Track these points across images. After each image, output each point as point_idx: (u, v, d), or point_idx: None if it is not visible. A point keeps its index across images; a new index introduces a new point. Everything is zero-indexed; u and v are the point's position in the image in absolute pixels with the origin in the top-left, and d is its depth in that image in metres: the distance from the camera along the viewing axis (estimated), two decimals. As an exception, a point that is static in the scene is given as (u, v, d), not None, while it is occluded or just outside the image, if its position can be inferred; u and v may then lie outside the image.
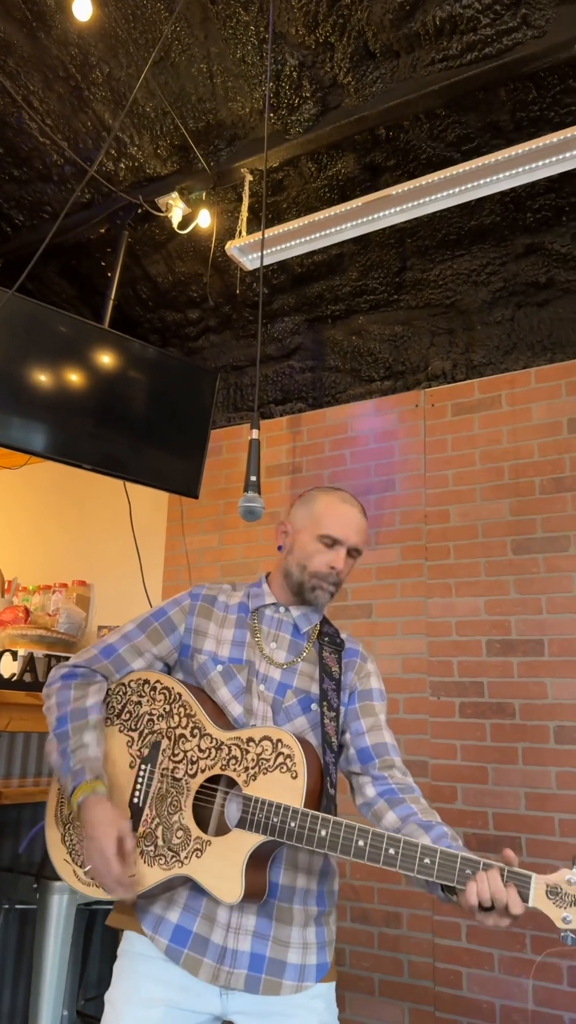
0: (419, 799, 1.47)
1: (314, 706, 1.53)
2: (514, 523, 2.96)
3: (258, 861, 1.37)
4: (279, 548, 1.65)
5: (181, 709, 1.51)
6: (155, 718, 1.53)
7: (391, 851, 1.27)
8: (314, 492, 1.64)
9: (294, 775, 1.37)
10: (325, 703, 1.50)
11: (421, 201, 2.44)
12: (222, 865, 1.36)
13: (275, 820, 1.34)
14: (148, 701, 1.55)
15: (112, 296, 3.06)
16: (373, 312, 3.27)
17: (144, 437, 3.03)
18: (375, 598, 3.17)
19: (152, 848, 1.43)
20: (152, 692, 1.55)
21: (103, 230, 3.06)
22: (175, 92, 2.56)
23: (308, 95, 2.46)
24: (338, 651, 1.60)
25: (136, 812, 1.47)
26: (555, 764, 2.68)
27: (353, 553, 1.59)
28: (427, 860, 1.25)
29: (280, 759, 1.39)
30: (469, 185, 2.36)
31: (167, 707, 1.52)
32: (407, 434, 3.30)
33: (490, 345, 3.16)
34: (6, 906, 2.50)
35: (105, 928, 2.88)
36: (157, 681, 1.56)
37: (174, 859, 1.41)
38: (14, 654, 3.37)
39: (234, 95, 2.53)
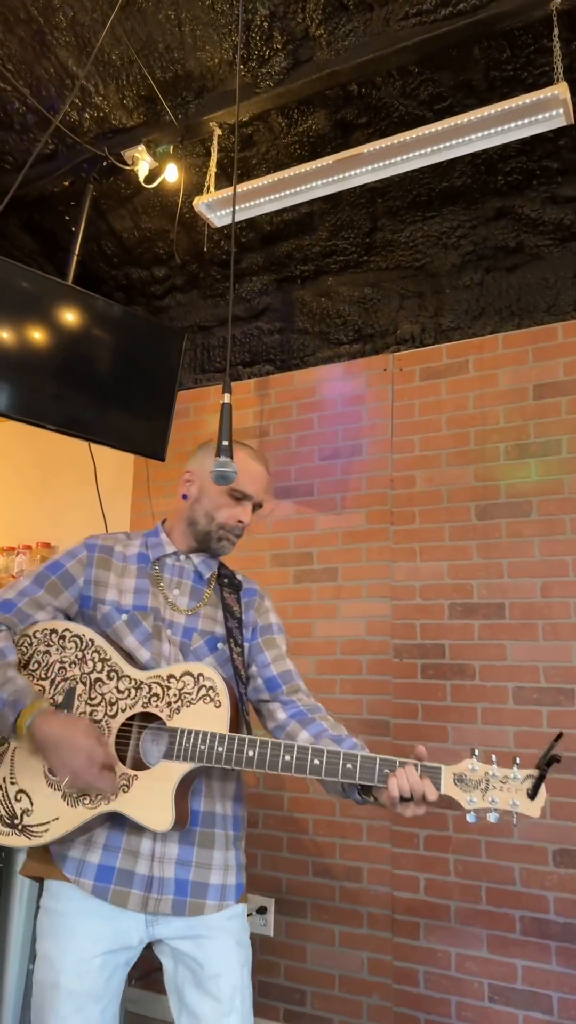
0: (327, 716, 1.60)
1: (220, 645, 1.61)
2: (478, 489, 2.99)
3: (181, 790, 1.45)
4: (183, 496, 1.68)
5: (95, 654, 1.54)
6: (67, 665, 1.55)
7: (316, 761, 1.39)
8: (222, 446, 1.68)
9: (218, 704, 1.45)
10: (231, 640, 1.59)
11: (392, 160, 2.41)
12: (150, 796, 1.42)
13: (203, 747, 1.42)
14: (57, 650, 1.56)
15: (76, 252, 2.99)
16: (343, 273, 3.24)
17: (109, 398, 2.99)
18: (341, 562, 3.19)
19: (75, 790, 1.45)
20: (61, 641, 1.56)
21: (67, 183, 2.97)
22: (142, 39, 2.47)
23: (279, 47, 2.39)
24: (236, 591, 1.69)
25: None
26: (513, 724, 2.75)
27: (256, 507, 1.69)
28: (349, 765, 1.39)
29: (203, 691, 1.47)
30: (441, 145, 2.33)
31: (79, 653, 1.54)
32: (375, 398, 3.29)
33: (459, 309, 3.16)
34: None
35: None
36: (66, 630, 1.57)
37: (99, 797, 1.44)
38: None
39: (203, 45, 2.45)
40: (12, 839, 1.47)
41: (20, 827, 1.47)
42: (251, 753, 1.40)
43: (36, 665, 1.57)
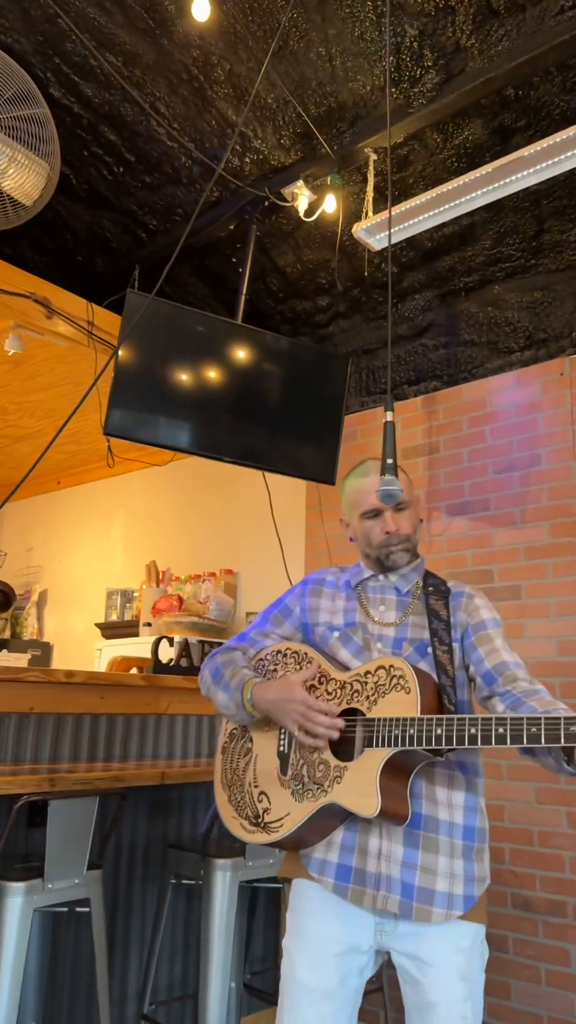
0: (543, 698, 1.53)
1: (429, 649, 1.65)
2: None
3: (394, 777, 1.49)
4: (351, 540, 1.81)
5: (310, 665, 1.69)
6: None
7: (500, 730, 1.37)
8: (344, 481, 1.83)
9: (407, 691, 1.51)
10: (436, 639, 1.64)
11: (556, 159, 2.31)
12: (359, 784, 1.50)
13: (396, 732, 1.47)
14: (282, 666, 1.74)
15: (244, 291, 3.11)
16: (509, 280, 3.14)
17: (280, 427, 3.08)
18: (524, 579, 3.06)
19: (300, 787, 1.59)
20: (284, 658, 1.75)
21: (232, 227, 3.12)
22: (295, 80, 2.56)
23: (430, 64, 2.38)
24: (444, 597, 1.73)
25: (283, 759, 1.65)
26: None
27: (400, 508, 1.72)
28: (533, 729, 1.34)
29: (394, 681, 1.53)
30: (609, 136, 2.21)
31: (297, 666, 1.71)
32: (552, 405, 3.15)
33: None
34: (173, 881, 2.64)
35: (268, 905, 2.97)
36: (287, 648, 1.76)
37: (320, 790, 1.56)
38: (171, 640, 3.54)
39: (354, 74, 2.49)
40: (257, 836, 1.63)
41: (263, 825, 1.63)
42: (439, 731, 1.43)
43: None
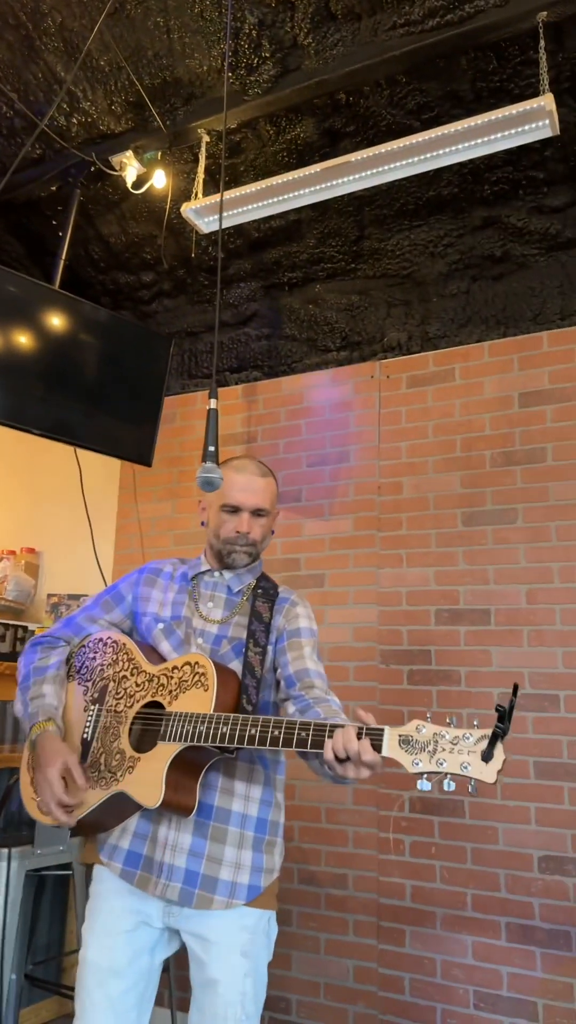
0: (330, 707, 1.60)
1: (244, 649, 1.69)
2: (465, 495, 3.00)
3: (184, 771, 1.53)
4: (202, 524, 1.84)
5: (124, 656, 1.73)
6: (104, 667, 1.75)
7: (275, 732, 1.42)
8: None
9: (206, 688, 1.55)
10: (251, 640, 1.69)
11: (380, 169, 2.42)
12: (147, 775, 1.54)
13: (187, 728, 1.50)
14: (100, 655, 1.77)
15: (63, 256, 2.98)
16: (330, 280, 3.25)
17: (96, 402, 2.98)
18: (328, 568, 3.19)
19: (96, 774, 1.63)
20: (103, 647, 1.78)
21: (54, 188, 2.97)
22: (131, 46, 2.47)
23: (268, 55, 2.40)
24: (271, 601, 1.77)
25: (86, 746, 1.69)
26: (499, 730, 2.75)
27: (258, 513, 1.76)
28: (303, 734, 1.40)
29: (196, 678, 1.57)
30: (428, 155, 2.35)
31: (114, 656, 1.74)
32: (362, 405, 3.30)
33: (445, 318, 3.18)
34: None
35: (55, 894, 2.89)
36: (108, 637, 1.79)
37: (112, 779, 1.59)
38: (-39, 621, 3.32)
39: (192, 52, 2.46)
40: (50, 818, 1.63)
41: (68, 809, 1.62)
42: (224, 730, 1.46)
43: (85, 669, 1.79)
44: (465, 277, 3.07)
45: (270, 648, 1.72)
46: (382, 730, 1.36)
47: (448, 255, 3.01)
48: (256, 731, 1.44)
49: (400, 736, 1.35)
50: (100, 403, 2.99)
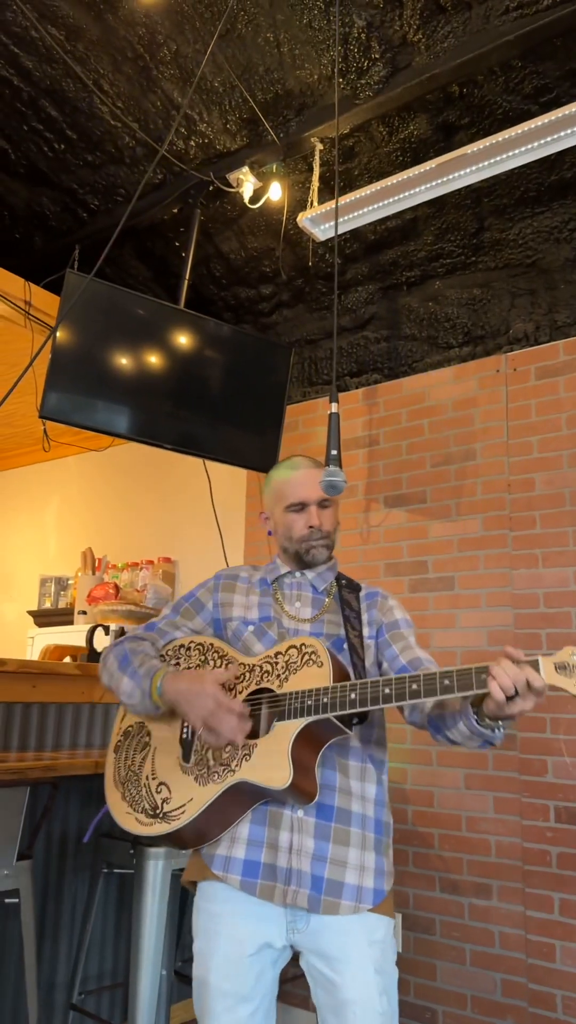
0: None
1: (345, 645, 1.65)
2: (603, 490, 2.86)
3: (304, 752, 1.47)
4: (269, 533, 1.82)
5: (215, 654, 1.68)
6: (192, 669, 1.69)
7: (414, 686, 1.38)
8: (269, 474, 1.83)
9: (320, 664, 1.51)
10: (348, 625, 1.66)
11: (498, 158, 2.35)
12: (270, 758, 1.48)
13: (309, 702, 1.46)
14: (185, 660, 1.72)
15: (187, 276, 3.08)
16: (450, 276, 3.18)
17: (221, 415, 3.06)
18: (457, 570, 3.12)
19: (205, 771, 1.56)
20: (187, 652, 1.73)
21: (176, 210, 3.08)
22: (242, 64, 2.53)
23: (377, 56, 2.39)
24: (356, 592, 1.75)
25: (187, 746, 1.62)
26: None
27: (324, 504, 1.73)
28: (447, 681, 1.37)
29: (306, 657, 1.53)
30: (549, 138, 2.26)
31: (202, 657, 1.69)
32: (488, 401, 3.21)
33: (575, 304, 3.04)
34: (105, 870, 2.61)
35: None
36: (191, 642, 1.74)
37: (226, 771, 1.52)
38: (106, 629, 3.49)
39: (302, 62, 2.48)
40: (155, 827, 1.57)
41: (161, 815, 1.57)
42: (353, 696, 1.43)
43: None
44: (594, 261, 2.93)
45: (370, 642, 1.69)
46: (537, 659, 1.32)
47: (574, 239, 2.88)
48: (391, 689, 1.40)
49: (556, 663, 1.31)
50: (225, 415, 3.07)
